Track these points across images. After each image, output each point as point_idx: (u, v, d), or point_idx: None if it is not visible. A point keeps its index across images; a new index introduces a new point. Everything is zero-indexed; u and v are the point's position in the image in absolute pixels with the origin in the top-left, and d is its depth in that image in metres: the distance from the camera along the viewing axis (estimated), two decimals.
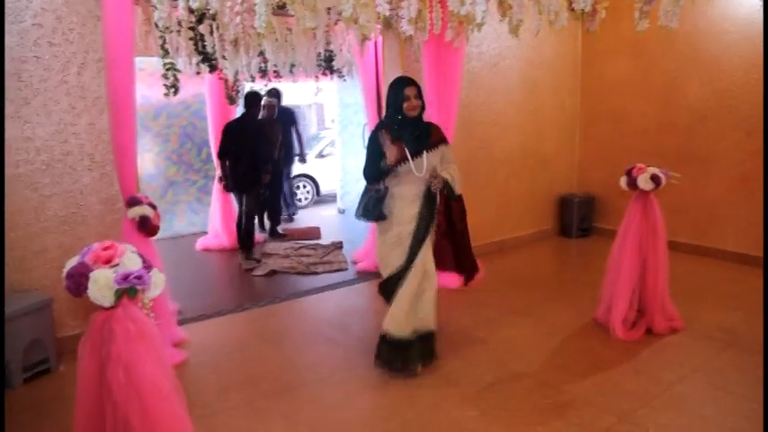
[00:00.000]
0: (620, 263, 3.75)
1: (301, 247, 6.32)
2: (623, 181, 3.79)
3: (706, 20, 5.33)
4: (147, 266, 1.99)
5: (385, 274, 3.32)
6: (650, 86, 5.98)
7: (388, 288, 3.28)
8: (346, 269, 5.52)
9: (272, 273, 5.46)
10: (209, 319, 4.32)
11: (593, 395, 3.03)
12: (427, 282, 3.23)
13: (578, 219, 6.55)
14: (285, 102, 7.73)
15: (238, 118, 5.88)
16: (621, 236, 3.82)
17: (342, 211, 8.91)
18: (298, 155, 7.96)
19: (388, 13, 2.59)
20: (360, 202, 3.30)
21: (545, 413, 2.87)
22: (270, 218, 7.15)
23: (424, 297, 3.22)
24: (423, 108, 3.22)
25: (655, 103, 5.97)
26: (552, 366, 3.40)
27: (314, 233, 7.03)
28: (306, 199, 9.67)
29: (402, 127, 3.15)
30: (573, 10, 3.12)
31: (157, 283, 1.99)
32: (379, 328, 3.26)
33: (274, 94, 6.95)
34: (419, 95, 3.18)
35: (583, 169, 6.84)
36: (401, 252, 3.20)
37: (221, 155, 5.69)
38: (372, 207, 3.19)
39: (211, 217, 6.68)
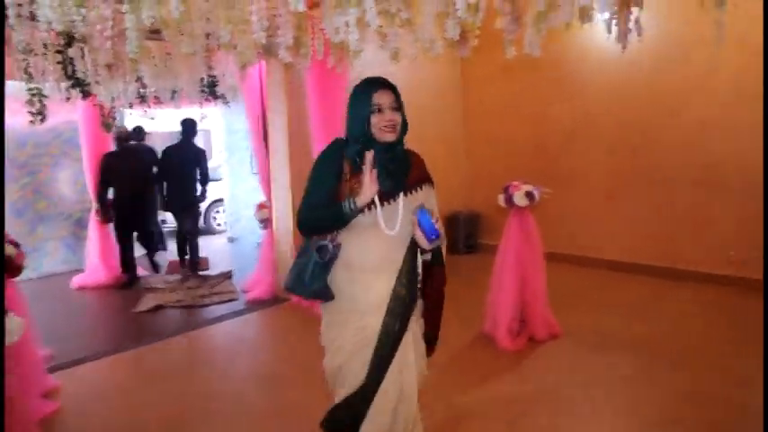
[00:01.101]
0: (502, 276, 3.95)
1: (188, 279, 6.05)
2: (501, 198, 4.01)
3: (571, 45, 5.80)
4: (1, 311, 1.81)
5: (339, 394, 2.03)
6: (524, 109, 6.41)
7: (345, 416, 2.02)
8: (237, 299, 5.36)
9: (158, 308, 5.18)
10: (87, 362, 3.99)
11: (483, 406, 3.14)
12: (403, 406, 2.00)
13: (464, 235, 6.82)
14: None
15: (176, 144, 6.15)
16: (502, 250, 4.03)
17: (231, 240, 8.66)
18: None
19: (264, 41, 2.58)
20: (294, 266, 2.01)
21: (437, 429, 2.93)
22: (146, 246, 6.48)
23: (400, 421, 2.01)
24: (404, 128, 2.02)
25: (528, 124, 6.40)
26: (444, 381, 3.47)
27: (202, 264, 6.76)
28: (225, 224, 9.29)
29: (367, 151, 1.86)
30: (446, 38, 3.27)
31: (14, 329, 1.82)
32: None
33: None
34: (398, 107, 1.99)
35: (468, 188, 7.16)
36: (363, 359, 1.95)
37: (158, 179, 6.03)
38: (312, 277, 1.93)
39: (89, 252, 6.23)
